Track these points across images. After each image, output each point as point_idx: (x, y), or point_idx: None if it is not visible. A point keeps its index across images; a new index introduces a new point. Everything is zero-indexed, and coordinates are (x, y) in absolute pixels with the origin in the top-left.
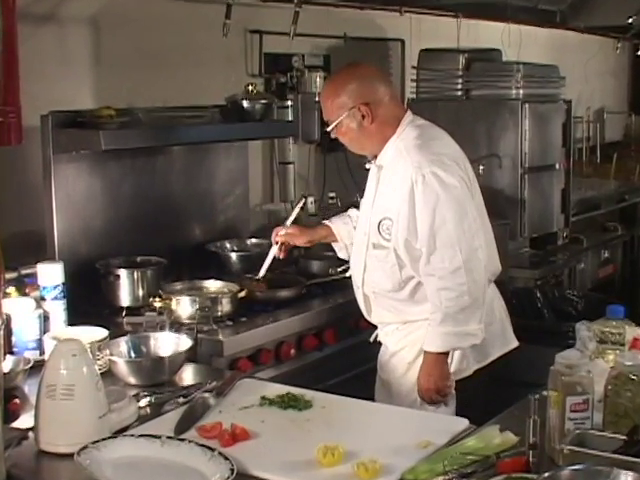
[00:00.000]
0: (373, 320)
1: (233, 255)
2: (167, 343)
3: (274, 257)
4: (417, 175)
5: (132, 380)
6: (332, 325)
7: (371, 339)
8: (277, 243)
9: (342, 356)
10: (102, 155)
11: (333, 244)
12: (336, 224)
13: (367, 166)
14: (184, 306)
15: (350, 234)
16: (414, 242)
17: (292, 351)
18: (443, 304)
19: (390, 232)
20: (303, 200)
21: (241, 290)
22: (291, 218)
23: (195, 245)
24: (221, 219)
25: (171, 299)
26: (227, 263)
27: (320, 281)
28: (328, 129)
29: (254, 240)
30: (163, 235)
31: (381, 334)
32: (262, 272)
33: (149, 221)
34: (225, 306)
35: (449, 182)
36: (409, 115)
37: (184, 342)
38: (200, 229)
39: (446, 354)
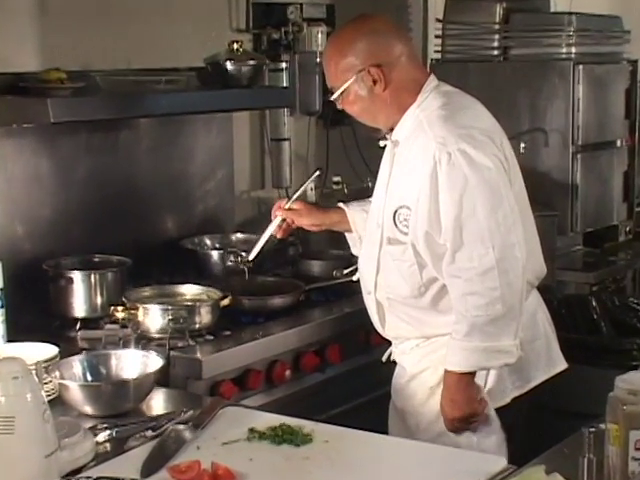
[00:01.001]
0: (387, 334)
1: (214, 254)
2: (132, 363)
3: (270, 236)
4: (441, 153)
5: (88, 409)
6: (337, 340)
7: (384, 358)
8: (276, 218)
9: (349, 379)
10: (51, 129)
11: (347, 235)
12: (353, 210)
13: (381, 143)
14: (153, 317)
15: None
16: (437, 236)
17: (287, 372)
18: (470, 312)
19: (408, 224)
20: (317, 173)
21: (224, 297)
22: (299, 192)
23: (167, 241)
24: (199, 209)
25: (137, 308)
26: (207, 264)
27: (322, 285)
28: (332, 98)
29: (240, 235)
30: (127, 229)
31: (397, 352)
32: (253, 253)
33: (110, 212)
34: (204, 317)
35: (480, 162)
36: (432, 80)
37: (153, 361)
38: (173, 221)
39: (472, 374)
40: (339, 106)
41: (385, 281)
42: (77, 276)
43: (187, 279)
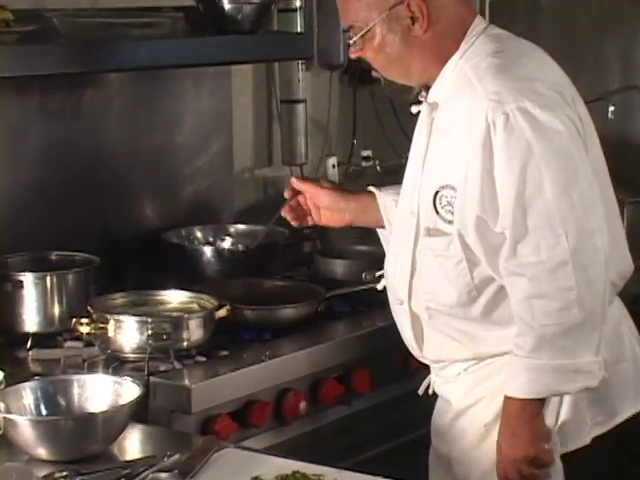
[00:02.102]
0: (426, 356)
1: (207, 250)
2: (100, 392)
3: (279, 217)
4: (495, 114)
5: (42, 452)
6: (366, 364)
7: (421, 390)
8: (291, 197)
9: (381, 414)
10: None
11: (379, 231)
12: (385, 195)
13: (413, 109)
14: (128, 332)
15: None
16: (492, 222)
17: (302, 405)
18: (537, 321)
19: (453, 208)
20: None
21: (220, 306)
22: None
23: (146, 234)
24: (188, 193)
25: (107, 321)
26: (198, 263)
27: (347, 292)
28: (351, 41)
29: (240, 226)
30: (94, 218)
31: (438, 381)
32: (259, 239)
33: (71, 195)
34: (194, 332)
35: (548, 124)
36: (480, 22)
37: (128, 390)
38: (154, 208)
39: (540, 402)
40: (354, 54)
41: (423, 285)
42: (28, 279)
43: (172, 283)
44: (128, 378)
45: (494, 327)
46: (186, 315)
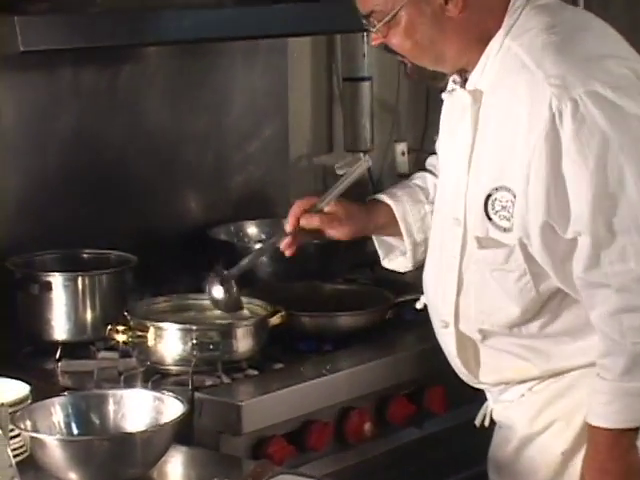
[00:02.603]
0: (483, 381)
1: (257, 247)
2: (139, 409)
3: (270, 246)
4: (561, 101)
5: (74, 476)
6: (439, 380)
7: (478, 421)
8: (293, 230)
9: (458, 437)
10: (18, 61)
11: (378, 240)
12: (400, 203)
13: (444, 95)
14: (170, 341)
15: (425, 222)
16: (561, 228)
17: (366, 426)
18: (627, 338)
19: (510, 214)
20: (366, 161)
21: (274, 312)
22: (339, 188)
23: (190, 230)
24: (237, 183)
25: (146, 328)
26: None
27: (418, 297)
28: (373, 29)
29: None
30: (131, 212)
31: (498, 407)
32: (239, 267)
33: (105, 185)
34: (245, 342)
35: (624, 109)
36: None
37: (170, 407)
38: (199, 201)
39: (635, 431)
40: (376, 41)
41: (475, 305)
42: (57, 280)
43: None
44: (170, 394)
45: (564, 339)
46: (235, 322)
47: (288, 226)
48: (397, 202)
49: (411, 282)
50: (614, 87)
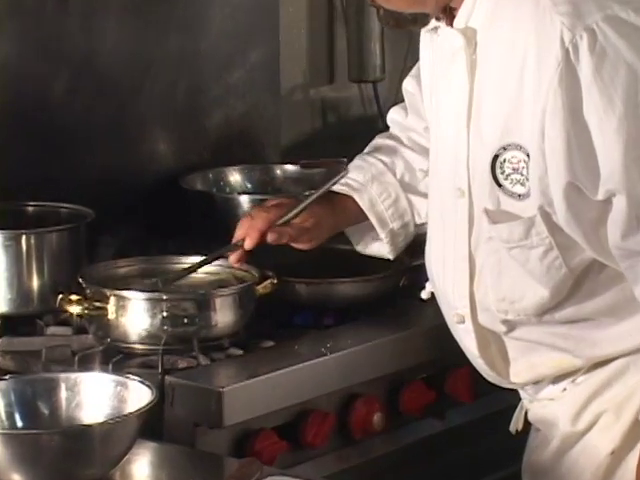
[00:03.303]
0: (515, 381)
1: (244, 200)
2: (97, 396)
3: (213, 259)
4: (575, 32)
5: (17, 478)
6: (465, 361)
7: (513, 427)
8: (242, 244)
9: (484, 431)
10: None
11: (357, 226)
12: (365, 191)
13: (423, 34)
14: (135, 313)
15: (399, 206)
16: (590, 188)
17: (376, 417)
18: None
19: (526, 177)
20: (345, 171)
21: (263, 279)
22: (307, 202)
23: (159, 178)
24: (217, 121)
25: (106, 298)
26: (231, 219)
27: None
28: None
29: (290, 168)
30: (86, 157)
31: (534, 407)
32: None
33: (55, 125)
34: (226, 314)
35: None
36: None
37: (135, 394)
38: (170, 143)
39: None
40: None
41: (493, 292)
42: None
43: (195, 246)
44: (135, 378)
45: (607, 320)
46: (215, 291)
47: (248, 242)
48: (360, 192)
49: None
50: (637, 8)
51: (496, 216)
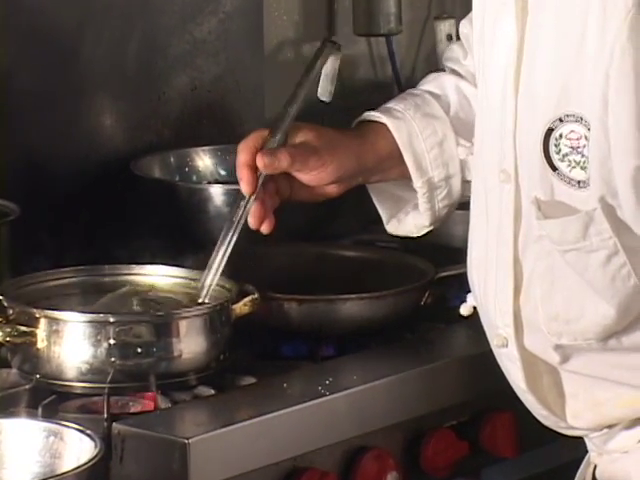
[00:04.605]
0: (574, 425)
1: (217, 192)
2: (23, 450)
3: (235, 229)
4: None
5: None
6: (507, 405)
7: None
8: (253, 192)
9: None
10: None
11: (378, 197)
12: (403, 120)
13: None
14: (73, 341)
15: (445, 151)
16: None
17: (390, 477)
18: None
19: (587, 158)
20: (336, 49)
21: (242, 295)
22: (294, 109)
23: (105, 164)
24: (179, 89)
25: (35, 321)
26: (200, 215)
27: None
28: None
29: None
30: (11, 139)
31: (602, 461)
32: (206, 288)
33: None
34: (193, 342)
35: None
36: None
37: (74, 447)
38: (118, 120)
39: None
40: None
41: (544, 308)
42: None
43: (152, 251)
44: (73, 425)
45: None
46: (178, 311)
47: (244, 186)
48: (397, 121)
49: (459, 247)
50: None
51: (548, 209)
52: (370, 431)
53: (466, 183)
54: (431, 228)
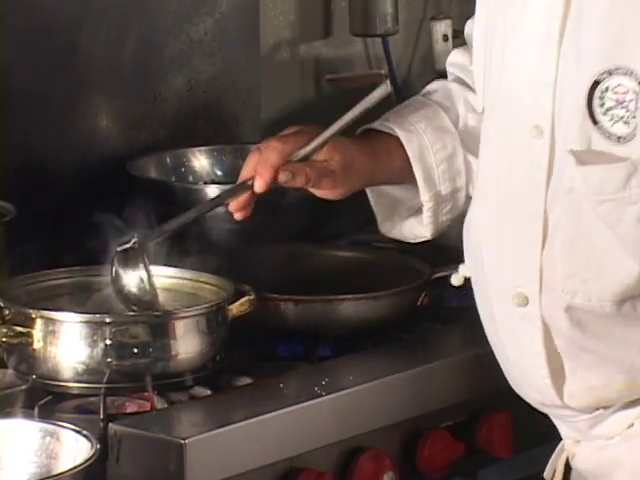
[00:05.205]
0: (569, 403)
1: (212, 191)
2: (19, 450)
3: (213, 204)
4: None
5: None
6: (502, 405)
7: (548, 474)
8: (250, 186)
9: None
10: None
11: (375, 198)
12: (416, 133)
13: None
14: (69, 341)
15: (454, 165)
16: None
17: (386, 477)
18: None
19: (632, 113)
20: (386, 85)
21: (240, 295)
22: (333, 130)
23: (101, 164)
24: (175, 89)
25: (31, 322)
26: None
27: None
28: None
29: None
30: (6, 138)
31: (586, 449)
32: (159, 232)
33: None
34: (190, 342)
35: None
36: None
37: (70, 448)
38: (114, 120)
39: None
40: None
41: (563, 264)
42: None
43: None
44: (69, 426)
45: None
46: (175, 311)
47: (259, 184)
48: (409, 134)
49: (455, 246)
50: None
51: (585, 157)
52: (367, 431)
53: (469, 198)
54: (430, 238)
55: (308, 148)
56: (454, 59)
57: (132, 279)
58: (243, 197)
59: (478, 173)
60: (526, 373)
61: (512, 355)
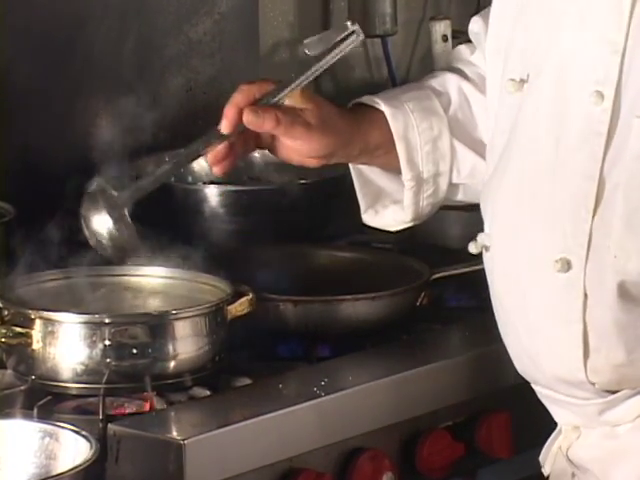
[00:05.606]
0: (593, 379)
1: (212, 193)
2: (18, 451)
3: (188, 156)
4: None
5: None
6: (502, 405)
7: (547, 464)
8: (231, 133)
9: None
10: None
11: (359, 182)
12: (402, 111)
13: None
14: (68, 342)
15: (439, 148)
16: None
17: (385, 478)
18: None
19: None
20: (357, 34)
21: (239, 295)
22: (304, 78)
23: (100, 163)
24: (174, 90)
25: (30, 322)
26: (196, 216)
27: (469, 271)
28: None
29: None
30: (5, 138)
31: (582, 442)
32: (135, 189)
33: None
34: (189, 343)
35: None
36: None
37: (69, 448)
38: (112, 120)
39: None
40: None
41: (624, 223)
42: None
43: (149, 252)
44: (68, 426)
45: None
46: (173, 312)
47: (224, 124)
48: (395, 110)
49: (456, 248)
50: None
51: None
52: (366, 432)
53: (452, 185)
54: (411, 224)
55: (278, 94)
56: (457, 55)
57: (101, 224)
58: (219, 149)
59: (508, 146)
60: (553, 343)
61: (540, 323)
